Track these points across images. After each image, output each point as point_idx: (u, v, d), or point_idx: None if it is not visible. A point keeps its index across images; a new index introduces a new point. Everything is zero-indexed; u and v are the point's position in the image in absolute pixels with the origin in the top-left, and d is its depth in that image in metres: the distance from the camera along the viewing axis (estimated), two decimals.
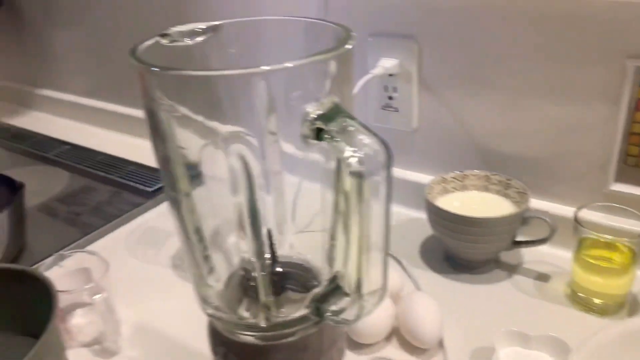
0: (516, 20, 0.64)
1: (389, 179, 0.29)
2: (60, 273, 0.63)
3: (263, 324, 0.36)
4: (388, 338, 0.57)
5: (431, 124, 0.75)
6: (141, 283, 0.70)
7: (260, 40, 0.39)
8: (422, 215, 0.72)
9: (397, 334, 0.58)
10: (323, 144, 0.30)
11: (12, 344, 0.60)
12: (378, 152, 0.29)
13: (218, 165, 0.36)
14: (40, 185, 0.95)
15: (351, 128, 0.30)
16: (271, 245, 0.36)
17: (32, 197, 0.86)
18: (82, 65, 1.20)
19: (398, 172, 0.80)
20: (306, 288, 0.40)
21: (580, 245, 0.60)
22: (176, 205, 0.37)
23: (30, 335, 0.60)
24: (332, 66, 0.31)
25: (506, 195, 0.68)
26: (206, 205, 0.37)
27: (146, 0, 0.99)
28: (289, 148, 0.35)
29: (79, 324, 0.62)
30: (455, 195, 0.69)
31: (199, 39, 0.37)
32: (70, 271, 0.64)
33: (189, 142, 0.34)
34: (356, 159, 0.28)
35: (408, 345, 0.56)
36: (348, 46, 0.32)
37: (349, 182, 0.36)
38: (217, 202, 0.38)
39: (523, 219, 0.64)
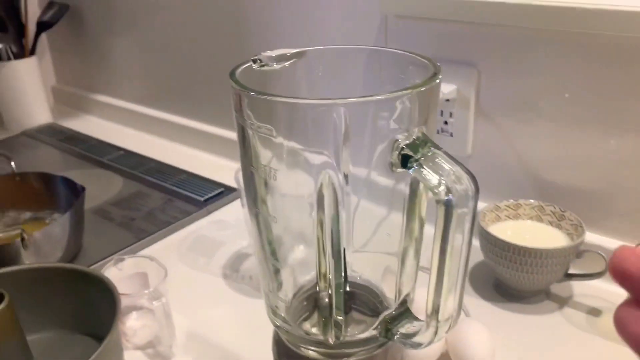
0: (576, 52, 0.65)
1: (475, 209, 0.30)
2: (118, 275, 0.65)
3: (332, 341, 0.37)
4: None
5: (485, 150, 0.75)
6: (193, 290, 0.72)
7: (344, 67, 0.41)
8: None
9: None
10: (410, 172, 0.31)
11: (69, 342, 0.62)
12: (465, 183, 0.30)
13: (294, 184, 0.37)
14: (96, 188, 0.98)
15: (438, 158, 0.31)
16: (345, 264, 0.37)
17: (88, 200, 0.89)
18: (138, 74, 1.24)
19: None
20: (371, 309, 0.41)
21: None
22: (255, 218, 0.38)
23: (87, 334, 0.62)
24: (420, 98, 0.32)
25: (559, 227, 0.68)
26: (280, 222, 0.39)
27: (202, 15, 1.02)
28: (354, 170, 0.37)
29: (133, 326, 0.64)
30: (508, 224, 0.70)
31: (286, 64, 0.38)
32: (127, 274, 0.66)
33: (271, 160, 0.36)
34: (444, 189, 0.29)
35: None
36: (437, 80, 0.33)
37: (425, 208, 0.37)
38: (290, 219, 0.39)
39: (578, 252, 0.63)
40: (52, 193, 0.84)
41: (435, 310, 0.32)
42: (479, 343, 0.55)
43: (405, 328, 0.36)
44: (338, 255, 0.35)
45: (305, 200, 0.36)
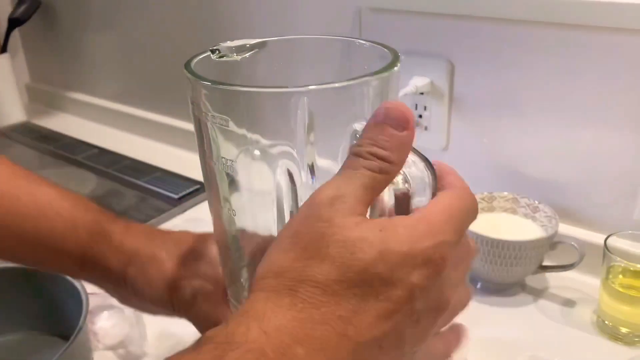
0: (550, 44, 0.64)
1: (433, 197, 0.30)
2: None
3: None
4: None
5: (461, 143, 0.75)
6: None
7: (306, 58, 0.40)
8: None
9: None
10: None
11: (39, 343, 0.61)
12: (423, 172, 0.29)
13: (255, 177, 0.36)
14: (69, 187, 0.95)
15: None
16: None
17: None
18: (112, 71, 1.22)
19: None
20: None
21: (609, 272, 0.59)
22: (217, 215, 0.37)
23: (56, 335, 0.61)
24: (378, 86, 0.32)
25: (534, 219, 0.68)
26: (242, 216, 0.38)
27: (177, 10, 1.01)
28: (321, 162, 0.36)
29: (104, 326, 0.63)
30: (483, 217, 0.69)
31: (246, 54, 0.38)
32: None
33: (230, 153, 0.35)
34: (401, 177, 0.29)
35: None
36: (396, 68, 0.32)
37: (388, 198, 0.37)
38: (252, 212, 0.38)
39: (551, 243, 0.63)
40: None
41: None
42: None
43: None
44: None
45: (267, 195, 0.35)
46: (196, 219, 0.86)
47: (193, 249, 0.44)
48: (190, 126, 1.04)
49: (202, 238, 0.44)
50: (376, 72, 0.31)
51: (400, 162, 0.27)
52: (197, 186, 0.92)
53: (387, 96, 0.33)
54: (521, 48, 0.67)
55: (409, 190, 0.29)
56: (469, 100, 0.73)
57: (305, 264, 0.25)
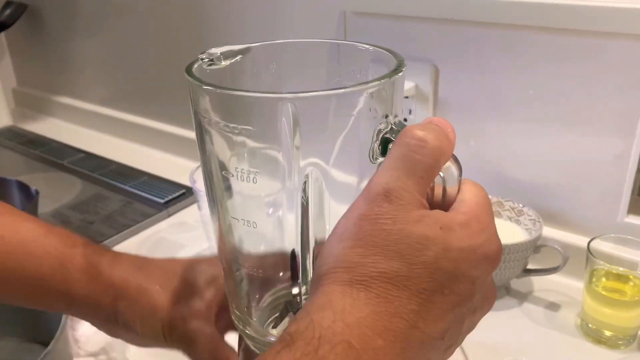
0: (535, 48, 0.65)
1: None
2: None
3: None
4: None
5: None
6: None
7: (296, 62, 0.39)
8: None
9: None
10: None
11: (18, 350, 0.60)
12: (450, 165, 0.29)
13: (251, 183, 0.36)
14: (54, 192, 0.96)
15: None
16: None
17: (45, 204, 0.86)
18: (99, 75, 1.22)
19: None
20: None
21: (592, 276, 0.59)
22: (217, 220, 0.37)
23: (39, 342, 0.60)
24: (387, 90, 0.32)
25: (518, 222, 0.68)
26: (244, 222, 0.37)
27: (164, 15, 1.01)
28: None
29: (86, 333, 0.63)
30: None
31: (235, 59, 0.37)
32: None
33: (226, 156, 0.34)
34: None
35: None
36: (400, 73, 0.32)
37: None
38: (255, 219, 0.38)
39: (535, 247, 0.63)
40: (4, 198, 0.81)
41: None
42: None
43: None
44: (304, 260, 0.34)
45: (265, 199, 0.35)
46: (182, 223, 0.85)
47: (184, 280, 0.43)
48: (176, 130, 1.04)
49: (190, 266, 0.44)
50: (384, 77, 0.31)
51: (448, 153, 0.29)
52: (183, 190, 0.92)
53: (393, 100, 0.33)
54: (506, 52, 0.67)
55: (443, 179, 0.30)
56: (454, 103, 0.73)
57: (374, 260, 0.26)
